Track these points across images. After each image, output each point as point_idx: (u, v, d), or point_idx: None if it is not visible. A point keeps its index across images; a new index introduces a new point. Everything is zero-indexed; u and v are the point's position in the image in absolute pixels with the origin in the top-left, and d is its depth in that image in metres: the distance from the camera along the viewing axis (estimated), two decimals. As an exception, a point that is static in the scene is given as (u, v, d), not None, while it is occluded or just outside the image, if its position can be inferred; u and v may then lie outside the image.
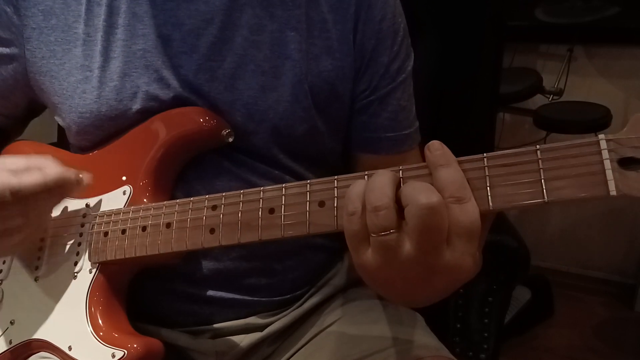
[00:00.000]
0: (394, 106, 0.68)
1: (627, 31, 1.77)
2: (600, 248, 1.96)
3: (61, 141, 0.71)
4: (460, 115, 1.22)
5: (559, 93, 1.78)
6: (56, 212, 0.64)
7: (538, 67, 1.90)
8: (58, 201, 0.59)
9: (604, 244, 1.94)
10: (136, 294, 0.63)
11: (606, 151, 0.36)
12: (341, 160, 0.73)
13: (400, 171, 0.42)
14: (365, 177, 0.43)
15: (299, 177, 0.66)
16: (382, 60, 0.66)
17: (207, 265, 0.63)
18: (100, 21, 0.62)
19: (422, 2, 1.08)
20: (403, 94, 0.69)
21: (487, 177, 0.39)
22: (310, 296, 0.70)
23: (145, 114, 0.61)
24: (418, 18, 0.76)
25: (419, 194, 0.38)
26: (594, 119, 1.60)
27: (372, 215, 0.39)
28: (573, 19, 1.76)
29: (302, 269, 0.69)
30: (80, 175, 0.57)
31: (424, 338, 0.64)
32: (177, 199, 0.55)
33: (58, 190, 0.56)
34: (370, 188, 0.40)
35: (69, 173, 0.56)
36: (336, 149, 0.71)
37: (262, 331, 0.66)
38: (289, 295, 0.68)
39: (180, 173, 0.63)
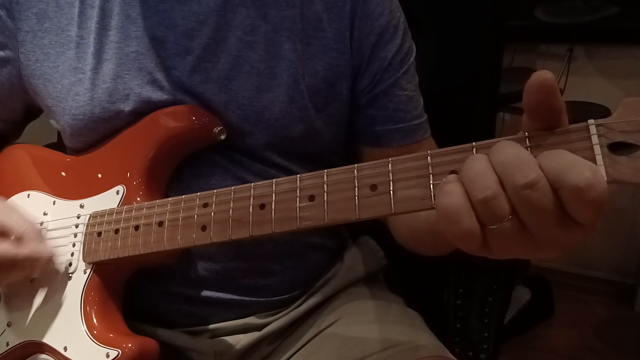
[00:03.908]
0: (401, 97, 0.67)
1: (627, 31, 1.76)
2: (600, 248, 1.95)
3: (61, 142, 0.71)
4: (461, 115, 1.22)
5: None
6: (51, 213, 0.64)
7: (538, 67, 1.90)
8: (41, 268, 0.60)
9: (604, 244, 1.93)
10: (134, 294, 0.63)
11: (596, 136, 0.35)
12: (342, 158, 0.72)
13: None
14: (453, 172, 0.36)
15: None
16: (385, 56, 0.66)
17: (204, 266, 0.63)
18: (92, 23, 0.62)
19: (422, 2, 1.08)
20: (408, 84, 0.68)
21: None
22: (309, 296, 0.70)
23: (138, 116, 0.61)
24: (417, 18, 0.76)
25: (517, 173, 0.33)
26: (593, 119, 1.60)
27: (483, 208, 0.34)
28: (573, 19, 1.75)
29: (301, 269, 0.69)
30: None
31: (424, 338, 0.64)
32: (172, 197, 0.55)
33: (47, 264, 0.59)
34: (470, 178, 0.34)
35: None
36: (336, 148, 0.70)
37: (260, 331, 0.66)
38: (287, 296, 0.68)
39: (176, 172, 0.62)
